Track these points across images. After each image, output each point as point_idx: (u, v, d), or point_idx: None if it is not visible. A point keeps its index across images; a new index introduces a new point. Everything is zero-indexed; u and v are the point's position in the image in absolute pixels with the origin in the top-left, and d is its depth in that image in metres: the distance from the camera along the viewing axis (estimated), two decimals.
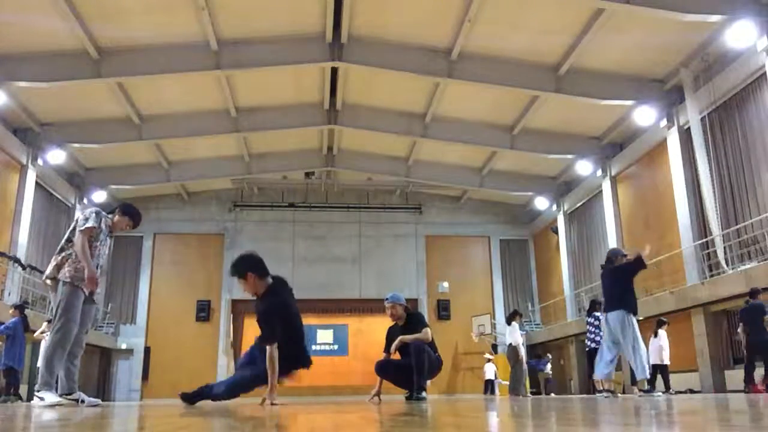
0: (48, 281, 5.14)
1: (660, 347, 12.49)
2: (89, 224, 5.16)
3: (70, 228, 5.29)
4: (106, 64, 14.36)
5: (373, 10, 13.82)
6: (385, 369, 6.78)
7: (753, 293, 10.44)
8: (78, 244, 5.11)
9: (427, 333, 6.61)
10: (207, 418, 2.91)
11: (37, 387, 4.96)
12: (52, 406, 4.68)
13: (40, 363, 5.03)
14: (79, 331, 5.18)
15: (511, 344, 12.34)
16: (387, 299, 6.94)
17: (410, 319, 6.87)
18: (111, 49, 14.24)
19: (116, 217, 5.50)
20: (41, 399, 4.83)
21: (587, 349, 11.36)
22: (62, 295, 4.98)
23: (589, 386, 12.39)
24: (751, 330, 10.18)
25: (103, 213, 5.48)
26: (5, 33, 13.17)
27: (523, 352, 12.45)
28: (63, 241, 5.27)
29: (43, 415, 3.31)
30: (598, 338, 10.90)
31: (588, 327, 11.37)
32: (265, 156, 20.82)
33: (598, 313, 11.35)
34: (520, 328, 12.84)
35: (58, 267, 5.09)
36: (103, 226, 5.33)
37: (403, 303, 6.91)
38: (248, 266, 5.13)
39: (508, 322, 12.72)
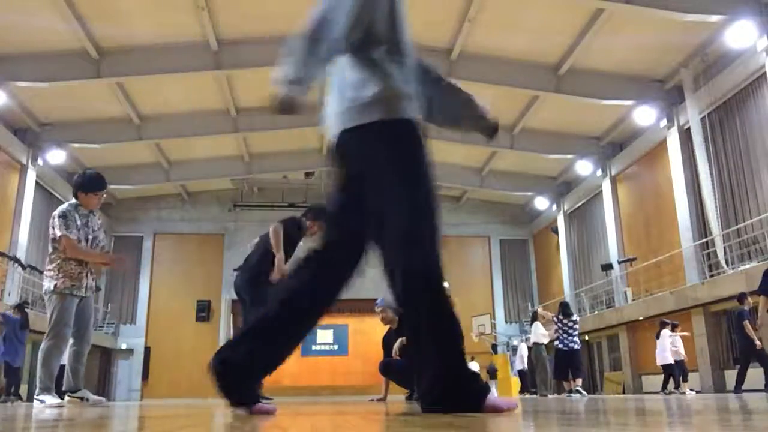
0: (46, 295, 5.12)
1: (664, 348, 12.42)
2: (62, 232, 4.99)
3: (50, 239, 5.13)
4: (106, 64, 14.36)
5: None
6: (388, 369, 6.78)
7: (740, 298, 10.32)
8: (72, 253, 5.00)
9: None
10: (207, 418, 2.91)
11: (36, 392, 4.99)
12: (53, 407, 4.71)
13: (38, 368, 5.04)
14: (83, 331, 5.20)
15: (535, 343, 12.30)
16: (377, 304, 6.95)
17: (401, 322, 6.88)
18: (111, 49, 14.24)
19: (81, 199, 5.17)
20: (41, 402, 4.87)
21: (565, 349, 11.27)
22: (55, 304, 4.97)
23: (557, 387, 12.46)
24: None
25: (71, 205, 5.18)
26: (5, 33, 13.17)
27: (543, 350, 12.36)
28: (49, 252, 5.13)
29: (45, 414, 3.32)
30: (572, 343, 10.96)
31: (561, 329, 11.29)
32: (265, 156, 20.81)
33: (575, 317, 11.42)
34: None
35: (51, 279, 5.05)
36: (78, 221, 5.10)
37: (393, 307, 6.92)
38: None
39: (532, 321, 12.71)
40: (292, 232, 5.89)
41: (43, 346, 5.00)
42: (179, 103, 16.93)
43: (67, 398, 5.17)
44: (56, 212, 5.15)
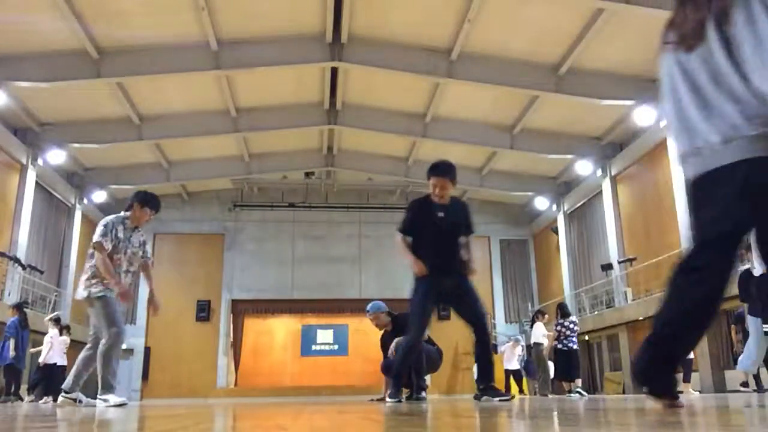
0: (84, 300, 5.19)
1: None
2: (97, 239, 5.15)
3: (91, 244, 5.27)
4: (106, 64, 14.35)
5: (373, 10, 13.82)
6: (390, 369, 6.79)
7: None
8: (98, 263, 5.12)
9: None
10: (207, 418, 2.91)
11: (99, 392, 5.04)
12: (117, 405, 4.78)
13: (98, 369, 5.12)
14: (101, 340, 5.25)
15: (535, 343, 12.29)
16: (368, 312, 6.96)
17: (397, 323, 6.89)
18: (111, 49, 14.24)
19: (136, 212, 5.37)
20: (105, 401, 4.94)
21: (564, 350, 11.27)
22: (102, 309, 5.06)
23: (558, 387, 12.48)
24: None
25: (119, 218, 5.34)
26: (5, 33, 13.17)
27: (544, 351, 12.34)
28: (87, 257, 5.29)
29: (43, 414, 3.32)
30: (570, 343, 11.01)
31: (561, 330, 11.30)
32: (265, 156, 20.81)
33: (573, 318, 11.45)
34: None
35: (88, 285, 5.12)
36: (120, 234, 5.23)
37: (384, 310, 6.93)
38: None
39: (532, 322, 12.71)
40: (420, 214, 5.43)
41: (101, 348, 5.09)
42: (179, 103, 16.93)
43: (60, 398, 5.22)
44: (103, 220, 5.32)
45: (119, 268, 5.23)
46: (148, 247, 5.63)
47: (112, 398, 4.92)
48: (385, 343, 6.92)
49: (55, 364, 11.99)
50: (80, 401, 5.17)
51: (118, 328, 5.07)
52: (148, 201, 5.41)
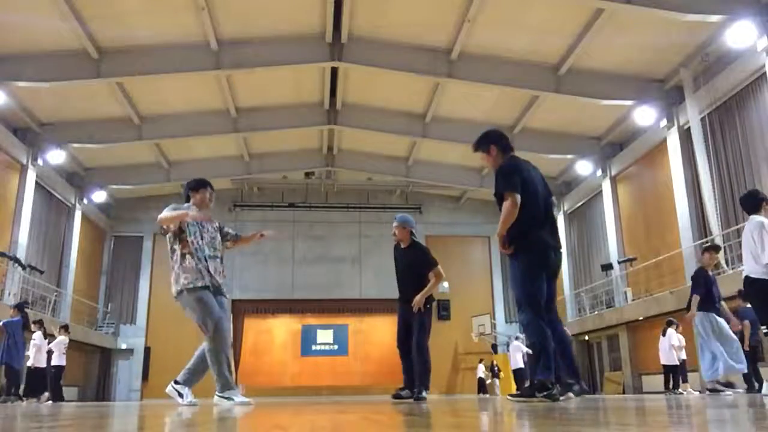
0: (177, 300, 5.06)
1: (668, 347, 12.48)
2: (163, 215, 5.00)
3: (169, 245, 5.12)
4: (106, 64, 14.36)
5: (373, 10, 13.83)
6: (408, 350, 6.56)
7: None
8: (160, 224, 4.96)
9: (440, 272, 6.38)
10: (207, 418, 2.91)
11: (218, 390, 4.97)
12: (242, 404, 4.66)
13: (211, 369, 5.07)
14: None
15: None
16: (395, 220, 6.65)
17: (414, 245, 6.57)
18: (111, 49, 14.25)
19: (195, 199, 5.35)
20: (229, 399, 4.83)
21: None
22: (192, 303, 4.90)
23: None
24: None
25: (183, 205, 5.27)
26: (5, 33, 13.17)
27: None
28: (170, 255, 5.12)
29: (41, 413, 3.32)
30: None
31: None
32: (265, 156, 20.81)
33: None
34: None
35: (175, 282, 4.98)
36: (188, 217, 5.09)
37: (412, 226, 6.62)
38: (493, 140, 4.92)
39: None
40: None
41: (207, 348, 4.98)
42: (179, 103, 16.93)
43: (169, 387, 5.19)
44: (170, 206, 5.17)
45: (201, 252, 5.05)
46: (229, 228, 5.55)
47: (235, 396, 4.79)
48: (397, 255, 6.68)
49: (43, 367, 11.98)
50: (182, 395, 5.13)
51: (216, 320, 4.85)
52: (197, 185, 5.40)
